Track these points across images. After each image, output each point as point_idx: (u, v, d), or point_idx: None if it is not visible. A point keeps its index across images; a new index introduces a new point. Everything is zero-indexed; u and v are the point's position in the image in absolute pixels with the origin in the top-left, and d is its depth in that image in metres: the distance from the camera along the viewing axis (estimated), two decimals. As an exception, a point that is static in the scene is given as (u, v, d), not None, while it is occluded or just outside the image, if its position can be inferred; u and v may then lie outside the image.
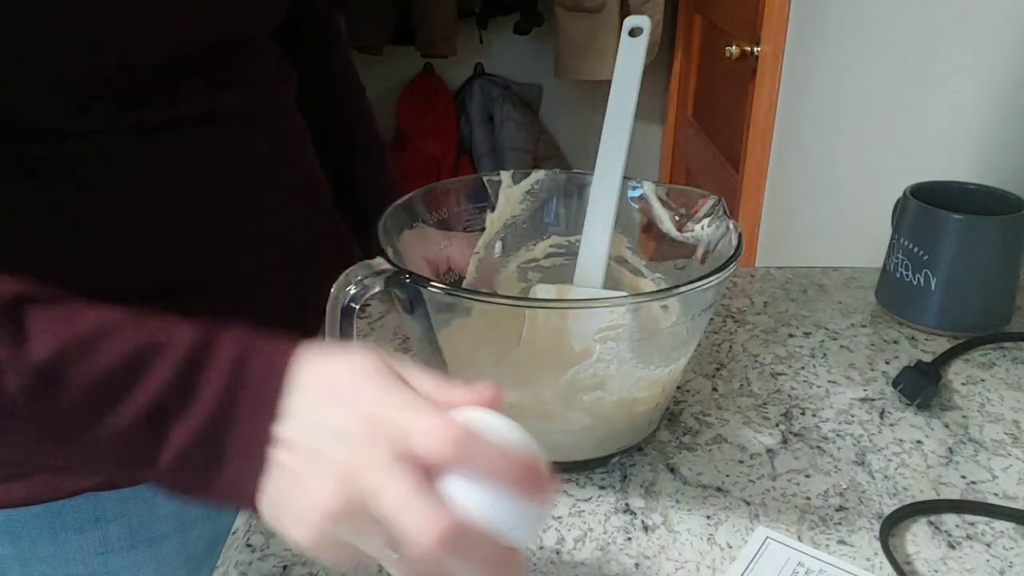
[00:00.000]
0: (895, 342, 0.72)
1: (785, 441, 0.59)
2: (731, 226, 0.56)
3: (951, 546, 0.50)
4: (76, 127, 0.52)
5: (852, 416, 0.61)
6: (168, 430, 0.38)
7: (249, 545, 0.50)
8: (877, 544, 0.49)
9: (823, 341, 0.71)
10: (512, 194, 0.65)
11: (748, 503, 0.53)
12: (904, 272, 0.73)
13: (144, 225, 0.56)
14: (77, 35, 0.48)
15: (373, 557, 0.37)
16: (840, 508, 0.52)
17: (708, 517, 0.52)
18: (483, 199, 0.64)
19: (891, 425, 0.60)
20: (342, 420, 0.37)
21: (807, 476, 0.55)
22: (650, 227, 0.62)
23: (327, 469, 0.36)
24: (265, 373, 0.38)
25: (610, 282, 0.60)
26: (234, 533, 0.51)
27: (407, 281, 0.49)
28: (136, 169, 0.55)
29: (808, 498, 0.53)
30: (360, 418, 0.37)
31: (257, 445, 0.38)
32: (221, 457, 0.38)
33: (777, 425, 0.60)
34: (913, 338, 0.72)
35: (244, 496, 0.38)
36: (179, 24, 0.52)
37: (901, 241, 0.73)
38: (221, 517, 0.66)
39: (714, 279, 0.50)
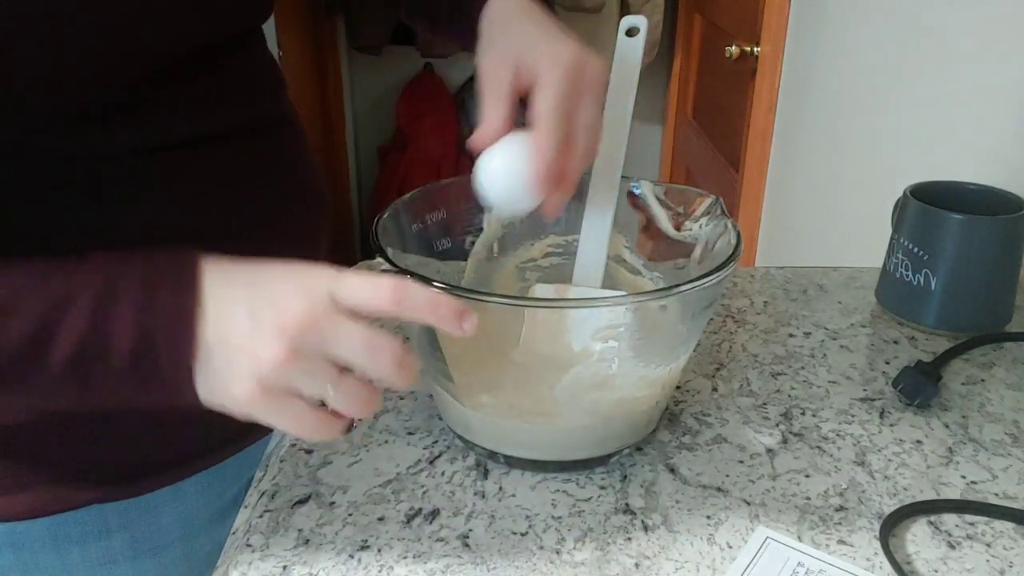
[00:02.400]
0: (895, 342, 0.72)
1: (785, 441, 0.59)
2: (729, 225, 0.56)
3: (951, 546, 0.50)
4: (65, 148, 0.51)
5: (852, 416, 0.61)
6: (92, 376, 0.42)
7: (249, 545, 0.50)
8: (877, 544, 0.49)
9: (823, 341, 0.71)
10: (511, 194, 0.65)
11: (748, 503, 0.53)
12: (904, 272, 0.73)
13: (139, 245, 0.56)
14: (52, 46, 0.47)
15: (312, 396, 0.42)
16: (840, 508, 0.52)
17: (708, 517, 0.52)
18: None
19: (891, 425, 0.60)
20: (261, 294, 0.42)
21: (807, 476, 0.55)
22: (648, 226, 0.62)
23: (263, 330, 0.41)
24: (175, 299, 0.42)
25: (608, 282, 0.60)
26: (234, 533, 0.51)
27: (406, 281, 0.49)
28: (128, 190, 0.54)
29: (808, 498, 0.53)
30: (278, 285, 0.42)
31: (183, 357, 0.41)
32: (150, 379, 0.42)
33: (777, 425, 0.60)
34: (913, 338, 0.72)
35: (183, 396, 0.42)
36: (162, 30, 0.51)
37: (901, 241, 0.73)
38: (224, 525, 0.66)
39: (713, 278, 0.50)
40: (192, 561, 0.65)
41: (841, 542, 0.50)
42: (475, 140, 0.51)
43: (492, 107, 0.51)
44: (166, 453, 0.61)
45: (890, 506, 0.52)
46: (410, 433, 0.59)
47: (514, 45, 0.53)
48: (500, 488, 0.54)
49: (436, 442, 0.58)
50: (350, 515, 0.52)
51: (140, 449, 0.60)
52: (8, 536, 0.58)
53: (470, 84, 2.86)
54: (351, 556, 0.49)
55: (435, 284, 0.48)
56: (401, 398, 0.63)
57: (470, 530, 0.51)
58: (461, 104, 2.85)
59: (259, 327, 0.41)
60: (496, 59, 0.53)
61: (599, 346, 0.51)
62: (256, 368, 0.41)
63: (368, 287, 0.42)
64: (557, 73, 0.50)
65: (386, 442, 0.58)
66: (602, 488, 0.54)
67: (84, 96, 0.50)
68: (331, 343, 0.41)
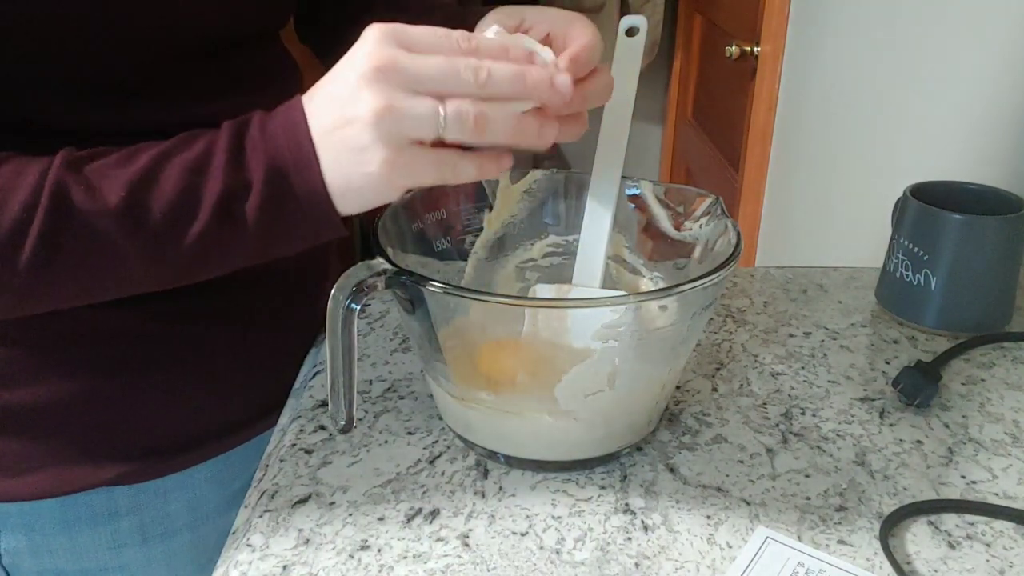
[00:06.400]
0: (895, 342, 0.72)
1: (785, 441, 0.59)
2: (729, 224, 0.56)
3: (951, 546, 0.50)
4: (78, 124, 0.52)
5: (852, 416, 0.61)
6: (240, 212, 0.45)
7: (249, 545, 0.50)
8: (877, 544, 0.49)
9: (823, 341, 0.71)
10: (510, 194, 0.65)
11: (748, 503, 0.53)
12: (904, 272, 0.73)
13: None
14: (75, 27, 0.48)
15: (431, 135, 0.43)
16: (840, 508, 0.52)
17: (708, 517, 0.52)
18: (482, 199, 0.64)
19: (891, 425, 0.60)
20: (350, 83, 0.43)
21: (807, 476, 0.55)
22: (648, 226, 0.62)
23: (351, 95, 0.42)
24: (285, 124, 0.45)
25: (608, 282, 0.60)
26: (234, 533, 0.51)
27: (407, 281, 0.49)
28: None
29: (808, 498, 0.53)
30: (365, 71, 0.42)
31: (311, 176, 0.44)
32: (290, 206, 0.45)
33: (777, 425, 0.60)
34: (913, 338, 0.72)
35: (325, 216, 0.45)
36: (177, 18, 0.52)
37: (901, 241, 0.73)
38: (232, 513, 0.66)
39: (713, 278, 0.50)
40: (200, 548, 0.65)
41: (841, 542, 0.50)
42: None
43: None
44: (176, 439, 0.62)
45: (890, 506, 0.52)
46: (410, 433, 0.59)
47: (534, 11, 0.53)
48: (500, 488, 0.54)
49: (436, 442, 0.58)
50: (350, 515, 0.52)
51: (150, 434, 0.60)
52: (20, 517, 0.59)
53: (470, 84, 2.86)
54: (351, 556, 0.49)
55: (434, 284, 0.48)
56: (401, 398, 0.63)
57: (470, 530, 0.51)
58: (461, 104, 2.84)
59: (347, 97, 0.43)
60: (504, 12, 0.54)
61: (599, 346, 0.51)
62: (363, 131, 0.42)
63: (440, 36, 0.43)
64: (591, 33, 0.50)
65: (386, 442, 0.58)
66: (602, 488, 0.54)
67: (101, 73, 0.50)
68: (416, 77, 0.42)
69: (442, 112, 0.42)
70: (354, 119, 0.42)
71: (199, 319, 0.60)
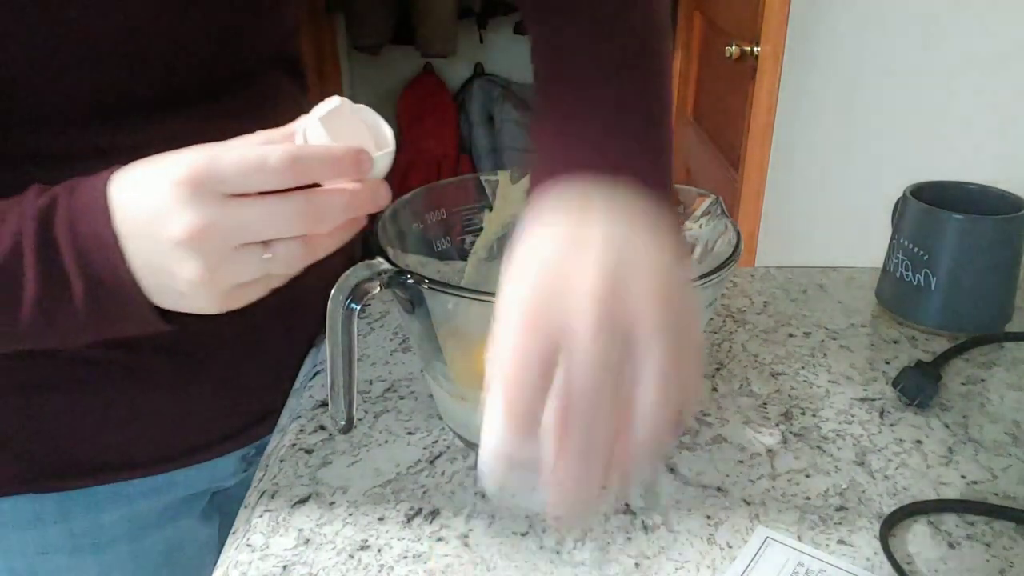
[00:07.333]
0: (895, 342, 0.72)
1: (785, 441, 0.59)
2: (729, 224, 0.56)
3: (951, 546, 0.50)
4: (73, 149, 0.51)
5: (852, 416, 0.61)
6: (62, 314, 0.43)
7: (249, 545, 0.50)
8: (877, 544, 0.49)
9: (823, 341, 0.71)
10: (510, 194, 0.65)
11: (748, 503, 0.53)
12: (904, 272, 0.73)
13: None
14: (72, 49, 0.47)
15: (262, 269, 0.42)
16: (840, 508, 0.52)
17: (708, 517, 0.52)
18: (482, 199, 0.64)
19: (891, 425, 0.60)
20: (164, 203, 0.40)
21: (807, 476, 0.55)
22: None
23: (170, 254, 0.40)
24: (95, 235, 0.42)
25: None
26: (234, 533, 0.51)
27: (407, 281, 0.49)
28: None
29: (808, 498, 0.53)
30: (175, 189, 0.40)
31: (130, 290, 0.42)
32: (108, 307, 0.43)
33: (777, 425, 0.60)
34: (913, 338, 0.72)
35: (149, 321, 0.44)
36: (173, 49, 0.51)
37: (901, 241, 0.73)
38: (178, 524, 0.65)
39: (713, 278, 0.50)
40: (141, 560, 0.63)
41: (841, 542, 0.50)
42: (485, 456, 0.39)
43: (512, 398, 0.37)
44: (106, 456, 0.60)
45: (890, 506, 0.52)
46: (410, 433, 0.59)
47: (535, 277, 0.38)
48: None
49: (436, 442, 0.58)
50: (350, 515, 0.52)
51: (72, 447, 0.58)
52: None
53: (470, 84, 2.86)
54: (351, 556, 0.49)
55: (435, 284, 0.48)
56: (401, 398, 0.63)
57: (470, 530, 0.51)
58: (461, 104, 2.85)
59: (169, 262, 0.41)
60: (514, 303, 0.39)
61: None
62: (188, 288, 0.41)
63: (254, 170, 0.39)
64: (585, 337, 0.35)
65: (386, 442, 0.58)
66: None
67: (95, 97, 0.50)
68: (236, 236, 0.40)
69: (269, 255, 0.41)
70: (178, 277, 0.41)
71: (152, 350, 0.58)
